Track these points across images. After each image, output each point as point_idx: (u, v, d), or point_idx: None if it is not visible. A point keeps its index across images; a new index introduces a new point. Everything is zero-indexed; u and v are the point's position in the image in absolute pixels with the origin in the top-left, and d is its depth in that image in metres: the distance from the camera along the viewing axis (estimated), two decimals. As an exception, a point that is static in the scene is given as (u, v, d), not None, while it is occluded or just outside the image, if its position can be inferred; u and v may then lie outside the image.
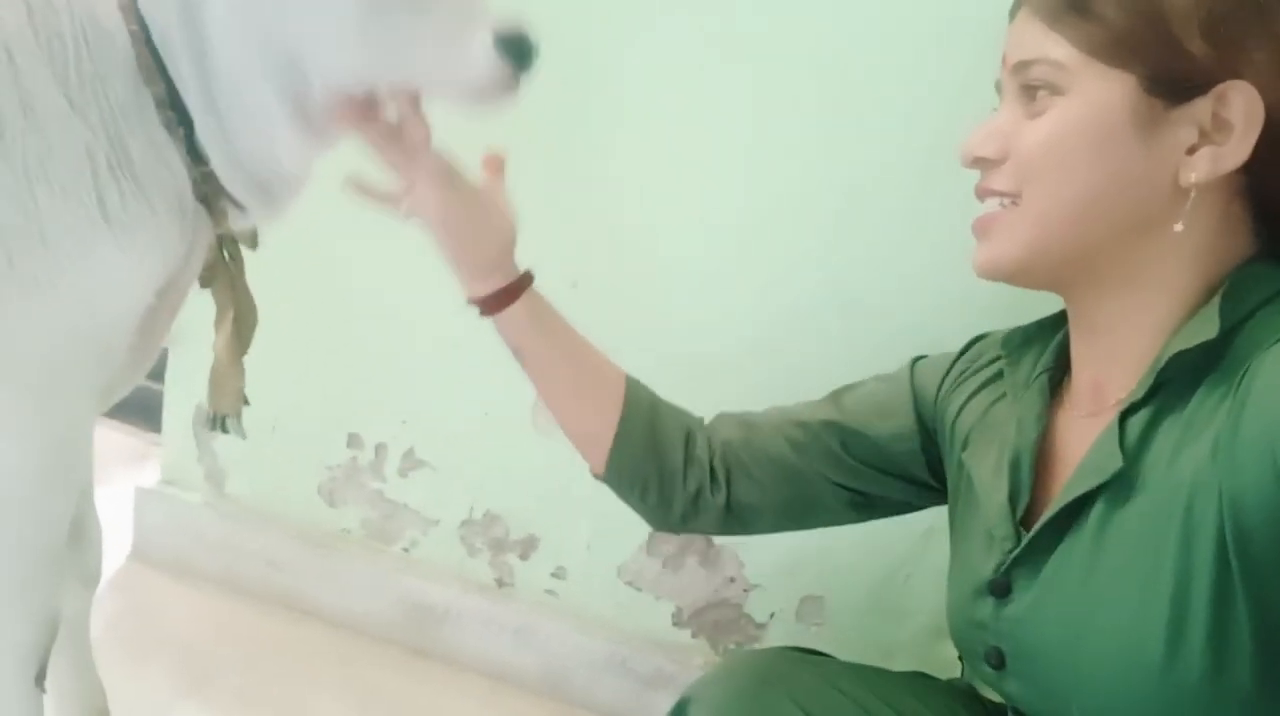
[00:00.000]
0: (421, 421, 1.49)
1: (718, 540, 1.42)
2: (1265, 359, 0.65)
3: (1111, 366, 0.78)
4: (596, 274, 1.37)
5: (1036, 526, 0.76)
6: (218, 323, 0.98)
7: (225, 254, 0.96)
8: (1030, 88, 0.76)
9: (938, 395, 0.95)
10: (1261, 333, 0.69)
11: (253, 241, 0.98)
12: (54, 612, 0.94)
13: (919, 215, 1.23)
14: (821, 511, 1.01)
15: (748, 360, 1.33)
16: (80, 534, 1.03)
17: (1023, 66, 0.76)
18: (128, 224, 0.83)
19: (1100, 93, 0.72)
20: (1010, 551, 0.79)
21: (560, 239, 1.37)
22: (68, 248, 0.81)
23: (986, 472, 0.85)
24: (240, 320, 0.98)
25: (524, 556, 1.50)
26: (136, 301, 0.88)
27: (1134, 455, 0.71)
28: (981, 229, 0.80)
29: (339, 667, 1.50)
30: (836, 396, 1.02)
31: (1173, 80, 0.70)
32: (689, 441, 0.99)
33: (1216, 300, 0.71)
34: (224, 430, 1.03)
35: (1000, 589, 0.79)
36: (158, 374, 1.56)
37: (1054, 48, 0.73)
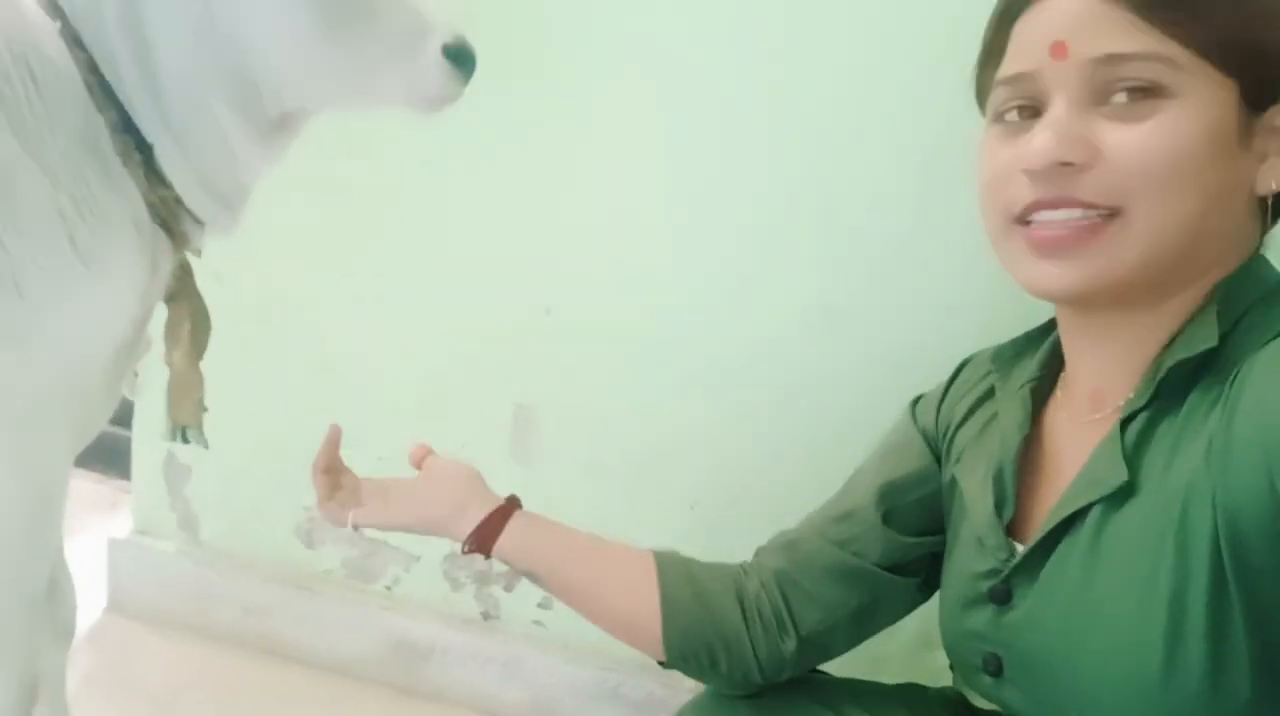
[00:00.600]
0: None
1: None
2: (1256, 363, 0.65)
3: (1111, 373, 0.76)
4: (571, 298, 1.36)
5: (1038, 534, 0.76)
6: (173, 334, 0.96)
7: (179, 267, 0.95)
8: (1112, 85, 0.68)
9: (938, 425, 0.94)
10: (1253, 334, 0.68)
11: (198, 250, 0.97)
12: (34, 671, 0.92)
13: (908, 229, 1.23)
14: (890, 606, 0.94)
15: (731, 378, 1.33)
16: (53, 588, 1.00)
17: (1114, 60, 0.68)
18: (99, 259, 0.82)
19: (1213, 97, 0.67)
20: (1006, 559, 0.78)
21: (534, 264, 1.37)
22: (46, 294, 0.80)
23: (974, 484, 0.84)
24: (196, 328, 0.97)
25: (509, 588, 1.48)
26: (113, 334, 0.87)
27: (1131, 461, 0.71)
28: (1067, 246, 0.70)
29: (325, 711, 1.47)
30: (853, 478, 0.97)
31: (1263, 87, 0.69)
32: (741, 596, 0.93)
33: (1214, 306, 0.70)
34: (185, 440, 1.02)
35: (1000, 596, 0.79)
36: (125, 420, 1.54)
37: (1157, 43, 0.67)
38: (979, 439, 0.88)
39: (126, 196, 0.84)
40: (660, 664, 0.95)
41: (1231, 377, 0.66)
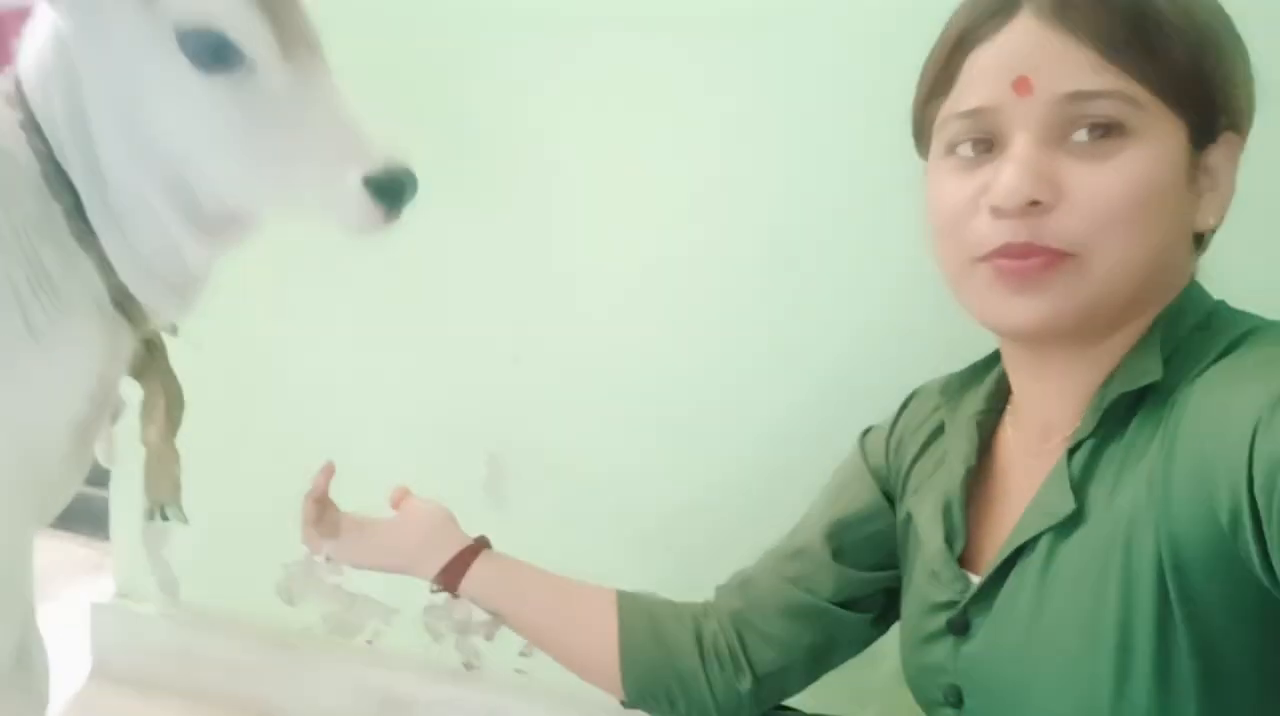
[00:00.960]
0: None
1: (682, 601, 1.41)
2: (1192, 393, 0.65)
3: (1058, 405, 0.77)
4: (539, 347, 1.38)
5: (992, 565, 0.76)
6: (148, 413, 0.98)
7: (146, 346, 0.96)
8: (1074, 122, 0.68)
9: (888, 460, 0.94)
10: (1189, 362, 0.69)
11: (172, 328, 0.98)
12: None
13: (858, 264, 1.24)
14: (845, 642, 0.95)
15: (699, 417, 1.34)
16: (24, 656, 1.01)
17: (1079, 98, 0.67)
18: (53, 337, 0.84)
19: (1168, 137, 0.68)
20: (962, 590, 0.79)
21: (501, 313, 1.39)
22: None
23: (926, 517, 0.85)
24: (170, 404, 0.98)
25: (489, 637, 1.48)
26: (70, 412, 0.88)
27: (1078, 490, 0.71)
28: (1030, 283, 0.70)
29: (309, 769, 1.47)
30: (808, 515, 0.98)
31: (1206, 127, 0.70)
32: (699, 637, 0.93)
33: (1157, 337, 0.71)
34: (164, 517, 1.03)
35: (959, 627, 0.79)
36: (107, 481, 1.55)
37: (1119, 81, 0.67)
38: (933, 474, 0.88)
39: (85, 279, 0.86)
40: (622, 703, 0.96)
41: (1170, 406, 0.67)
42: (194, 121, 0.82)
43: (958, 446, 0.85)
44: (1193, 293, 0.74)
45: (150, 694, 1.57)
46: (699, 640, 0.93)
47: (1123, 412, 0.71)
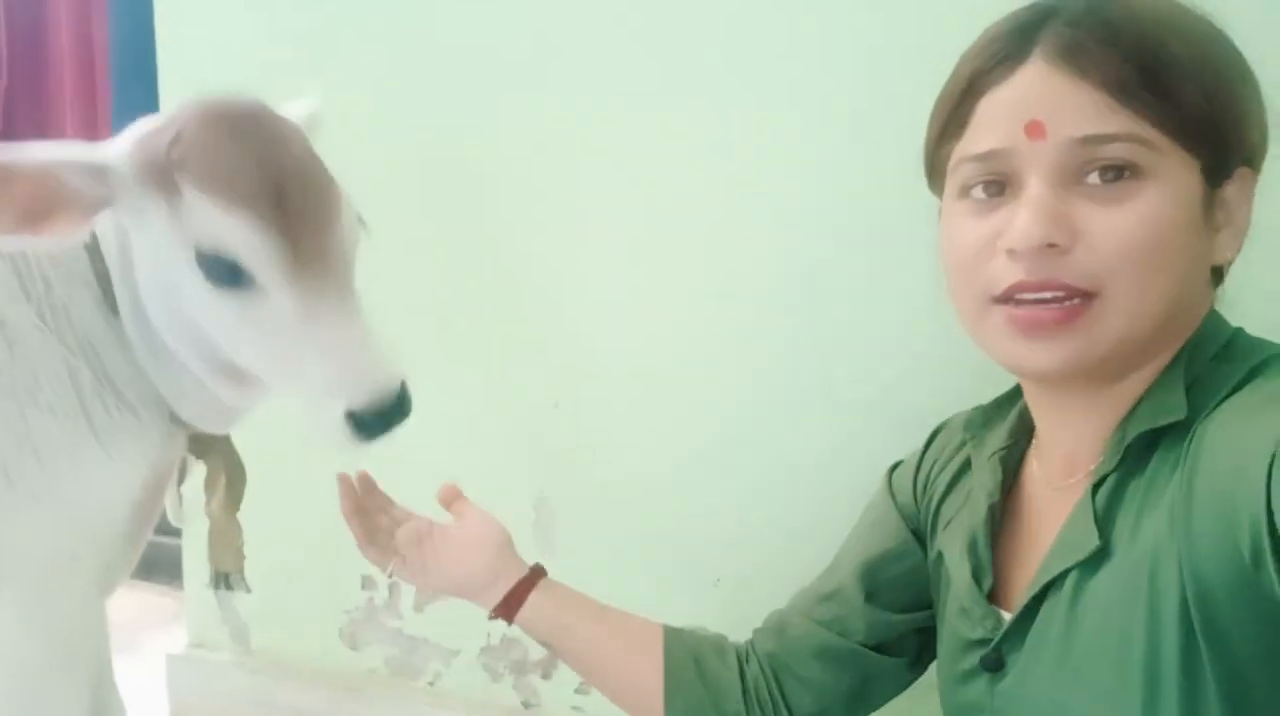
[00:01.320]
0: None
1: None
2: (1210, 425, 0.66)
3: (1081, 440, 0.77)
4: (578, 392, 1.41)
5: (1022, 600, 0.76)
6: (210, 486, 1.03)
7: None
8: (1088, 165, 0.68)
9: (916, 498, 0.94)
10: (1208, 394, 0.69)
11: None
12: None
13: (881, 304, 1.26)
14: (881, 685, 0.95)
15: (738, 457, 1.36)
16: (101, 711, 1.06)
17: (1093, 142, 0.68)
18: (114, 435, 0.90)
19: (1182, 177, 0.68)
20: (994, 627, 0.79)
21: (540, 360, 1.42)
22: (61, 464, 0.87)
23: (954, 554, 0.86)
24: (231, 481, 1.04)
25: (546, 676, 1.52)
26: (127, 500, 0.94)
27: (1102, 526, 0.71)
28: (1049, 327, 0.70)
29: (378, 810, 1.51)
30: (839, 555, 0.98)
31: (1220, 164, 0.70)
32: (743, 678, 0.95)
33: (1180, 373, 0.71)
34: (228, 587, 1.08)
35: (993, 664, 0.79)
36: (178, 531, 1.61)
37: (1131, 124, 0.67)
38: (960, 510, 0.88)
39: (141, 385, 0.92)
40: None
41: (1189, 439, 0.67)
42: (211, 322, 0.86)
43: (983, 482, 0.85)
44: (1212, 322, 0.74)
45: (225, 739, 1.63)
46: (743, 682, 0.94)
47: (1144, 447, 0.71)
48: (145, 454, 0.92)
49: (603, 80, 1.34)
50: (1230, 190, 0.71)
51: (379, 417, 0.85)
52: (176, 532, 1.57)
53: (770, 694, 0.94)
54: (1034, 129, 0.69)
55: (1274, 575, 0.56)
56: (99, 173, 0.82)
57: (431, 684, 1.56)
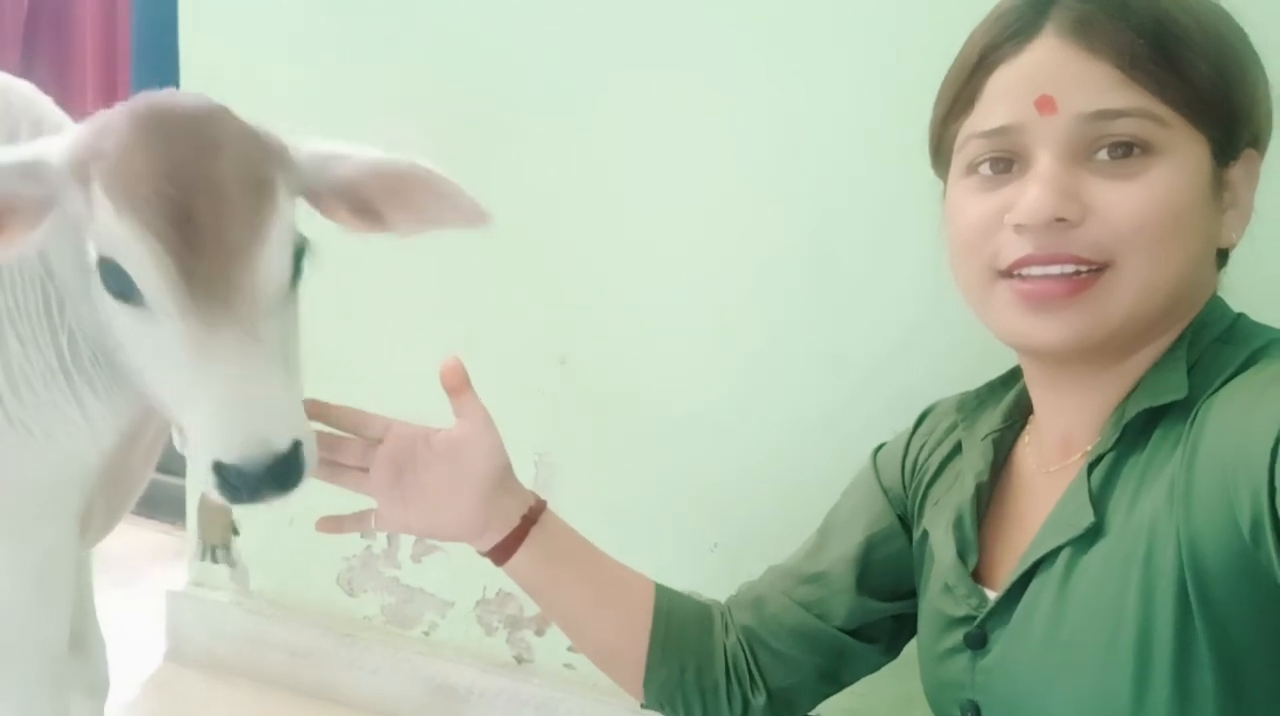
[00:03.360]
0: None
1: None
2: (1213, 404, 0.65)
3: (1080, 420, 0.77)
4: (585, 348, 1.40)
5: (1010, 578, 0.76)
6: None
7: None
8: (1098, 141, 0.68)
9: (904, 480, 0.93)
10: (1210, 375, 0.69)
11: None
12: None
13: (890, 267, 1.24)
14: (854, 667, 0.95)
15: (741, 421, 1.35)
16: (83, 646, 1.07)
17: (1104, 117, 0.67)
18: (91, 378, 0.89)
19: (1192, 154, 0.68)
20: (978, 605, 0.79)
21: (548, 316, 1.41)
22: (40, 397, 0.87)
23: (940, 532, 0.85)
24: None
25: (539, 632, 1.52)
26: (110, 435, 0.93)
27: (1098, 503, 0.71)
28: (1057, 299, 0.70)
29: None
30: (823, 536, 0.97)
31: (1229, 143, 0.70)
32: (725, 651, 0.94)
33: (1183, 354, 0.71)
34: (215, 560, 1.07)
35: (976, 641, 0.79)
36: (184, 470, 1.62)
37: (1142, 99, 0.67)
38: (949, 493, 0.88)
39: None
40: (641, 705, 0.97)
41: (1191, 418, 0.66)
42: (115, 330, 0.80)
43: (972, 462, 0.85)
44: (1215, 306, 0.74)
45: (219, 675, 1.65)
46: (725, 653, 0.94)
47: (1143, 427, 0.71)
48: (129, 398, 0.91)
49: (616, 44, 1.32)
50: (1237, 171, 0.71)
51: (245, 479, 0.73)
52: (180, 472, 1.59)
53: (747, 665, 0.94)
54: (1045, 104, 0.68)
55: (1273, 552, 0.56)
56: (33, 171, 0.75)
57: (426, 634, 1.57)
